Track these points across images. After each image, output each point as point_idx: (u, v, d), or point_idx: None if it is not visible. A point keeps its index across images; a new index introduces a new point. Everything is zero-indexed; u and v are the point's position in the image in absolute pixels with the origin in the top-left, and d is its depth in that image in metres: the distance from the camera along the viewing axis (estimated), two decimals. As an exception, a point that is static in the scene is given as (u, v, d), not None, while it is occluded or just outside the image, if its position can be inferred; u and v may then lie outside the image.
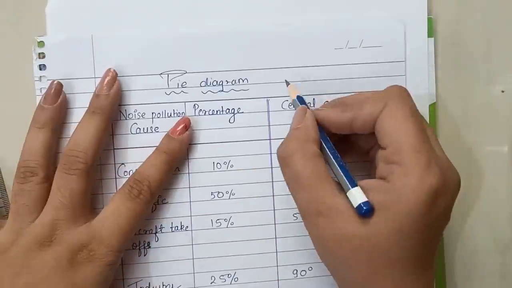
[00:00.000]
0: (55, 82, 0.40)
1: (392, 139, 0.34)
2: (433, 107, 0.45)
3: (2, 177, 0.43)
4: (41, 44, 0.42)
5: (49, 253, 0.36)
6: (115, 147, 0.43)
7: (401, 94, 0.36)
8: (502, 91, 0.46)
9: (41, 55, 0.42)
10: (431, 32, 0.45)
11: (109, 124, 0.41)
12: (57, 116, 0.40)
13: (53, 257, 0.35)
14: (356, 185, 0.34)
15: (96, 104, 0.40)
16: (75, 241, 0.36)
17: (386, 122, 0.34)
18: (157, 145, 0.41)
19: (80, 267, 0.36)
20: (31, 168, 0.38)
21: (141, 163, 0.41)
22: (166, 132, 0.41)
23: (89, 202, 0.40)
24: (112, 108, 0.41)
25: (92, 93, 0.41)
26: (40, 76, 0.42)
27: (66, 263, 0.35)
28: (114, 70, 0.41)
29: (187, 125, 0.41)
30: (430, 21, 0.45)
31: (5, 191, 0.43)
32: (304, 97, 0.42)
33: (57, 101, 0.40)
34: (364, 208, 0.32)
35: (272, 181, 0.44)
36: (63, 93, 0.41)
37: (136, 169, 0.40)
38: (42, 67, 0.42)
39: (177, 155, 0.41)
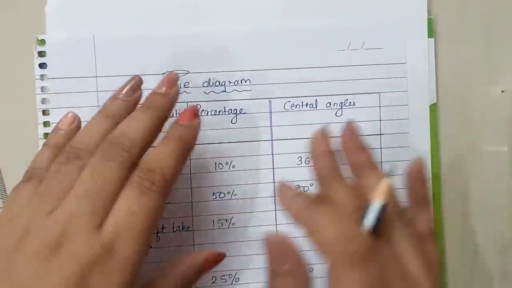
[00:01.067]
0: (137, 77, 0.38)
1: None
2: (433, 107, 0.45)
3: (2, 177, 0.43)
4: (41, 42, 0.42)
5: (55, 272, 0.29)
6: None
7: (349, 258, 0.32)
8: (502, 91, 0.46)
9: (42, 54, 0.42)
10: (431, 33, 0.45)
11: (162, 125, 0.36)
12: (125, 112, 0.36)
13: (60, 280, 0.29)
14: None
15: (151, 100, 0.36)
16: (87, 256, 0.29)
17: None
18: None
19: None
20: (78, 150, 0.33)
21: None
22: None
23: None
24: (168, 109, 0.36)
25: (94, 92, 0.40)
26: (41, 75, 0.42)
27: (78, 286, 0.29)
28: (176, 73, 0.38)
29: (195, 113, 0.36)
30: (430, 22, 0.45)
31: (5, 192, 0.42)
32: (306, 97, 0.43)
33: (133, 97, 0.37)
34: None
35: (274, 182, 0.44)
36: (141, 92, 0.38)
37: (141, 160, 0.33)
38: (42, 65, 0.42)
39: (189, 141, 0.35)
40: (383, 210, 0.33)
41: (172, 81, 0.37)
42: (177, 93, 0.37)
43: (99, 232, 0.30)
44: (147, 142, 0.34)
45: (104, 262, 0.29)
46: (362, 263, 0.31)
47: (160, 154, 0.33)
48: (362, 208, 0.33)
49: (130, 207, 0.31)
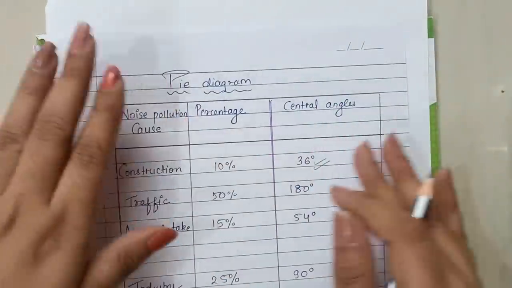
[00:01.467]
0: (48, 43, 0.37)
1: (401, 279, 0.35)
2: (433, 107, 0.45)
3: None
4: (41, 42, 0.42)
5: (10, 244, 0.31)
6: (116, 147, 0.42)
7: (408, 234, 0.36)
8: (502, 91, 0.46)
9: (42, 54, 0.42)
10: (431, 33, 0.45)
11: (88, 87, 0.36)
12: (48, 83, 0.36)
13: (16, 251, 0.31)
14: None
15: (70, 65, 0.36)
16: (39, 227, 0.32)
17: (394, 262, 0.35)
18: (159, 145, 0.41)
19: (48, 258, 0.31)
20: (13, 134, 0.34)
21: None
22: (168, 132, 0.41)
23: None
24: (89, 69, 0.36)
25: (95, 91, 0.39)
26: (41, 75, 0.42)
27: (32, 257, 0.31)
28: (87, 25, 0.37)
29: (116, 74, 0.37)
30: (430, 22, 0.45)
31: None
32: (306, 97, 0.43)
33: (50, 66, 0.36)
34: None
35: (274, 182, 0.44)
36: (56, 57, 0.37)
37: (78, 135, 0.35)
38: (42, 66, 0.42)
39: (117, 107, 0.36)
40: (430, 204, 0.37)
41: (83, 38, 0.36)
42: (94, 48, 0.37)
43: (48, 206, 0.32)
44: (78, 112, 0.35)
45: (56, 231, 0.32)
46: (419, 239, 0.35)
47: (93, 127, 0.35)
48: (406, 208, 0.38)
49: (74, 181, 0.33)
